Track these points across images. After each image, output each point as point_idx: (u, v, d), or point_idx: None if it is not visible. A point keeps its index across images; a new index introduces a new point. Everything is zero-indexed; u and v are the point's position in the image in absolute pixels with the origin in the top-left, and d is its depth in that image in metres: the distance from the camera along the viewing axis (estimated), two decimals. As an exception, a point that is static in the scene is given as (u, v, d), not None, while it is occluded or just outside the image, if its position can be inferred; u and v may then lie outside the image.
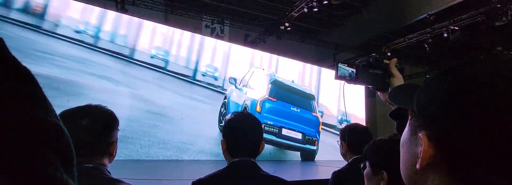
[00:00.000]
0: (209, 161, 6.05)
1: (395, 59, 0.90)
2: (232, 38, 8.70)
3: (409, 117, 0.43)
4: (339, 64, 0.85)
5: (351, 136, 1.74)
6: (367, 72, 0.86)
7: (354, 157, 1.70)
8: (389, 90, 0.87)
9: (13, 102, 0.38)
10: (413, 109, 0.41)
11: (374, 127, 9.41)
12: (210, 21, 8.38)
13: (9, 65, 0.41)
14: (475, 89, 0.34)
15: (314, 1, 6.39)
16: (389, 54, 8.73)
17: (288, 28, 7.51)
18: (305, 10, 6.71)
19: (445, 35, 7.35)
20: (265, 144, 1.20)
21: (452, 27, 7.19)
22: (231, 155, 1.14)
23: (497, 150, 0.31)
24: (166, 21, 8.06)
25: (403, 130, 0.81)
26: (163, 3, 7.74)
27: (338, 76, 0.85)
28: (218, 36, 8.48)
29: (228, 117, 1.19)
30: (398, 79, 0.86)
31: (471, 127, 0.32)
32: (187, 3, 8.27)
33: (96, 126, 0.93)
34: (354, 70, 0.86)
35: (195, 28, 8.19)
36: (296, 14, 7.12)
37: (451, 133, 0.34)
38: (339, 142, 1.81)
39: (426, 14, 7.18)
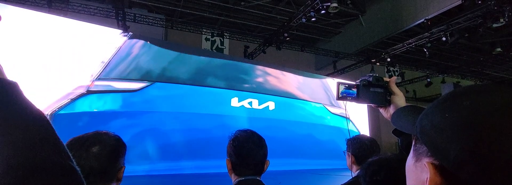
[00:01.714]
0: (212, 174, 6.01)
1: (394, 77, 0.92)
2: (232, 51, 8.78)
3: (413, 142, 0.43)
4: (340, 85, 0.87)
5: (357, 148, 1.72)
6: (368, 91, 0.88)
7: (361, 169, 1.68)
8: (391, 107, 0.88)
9: (30, 147, 0.40)
10: (417, 135, 0.41)
11: (377, 132, 9.33)
12: (210, 34, 8.48)
13: (24, 110, 0.43)
14: (476, 120, 0.34)
15: (312, 11, 6.46)
16: (388, 59, 8.76)
17: (287, 38, 7.58)
18: (303, 20, 6.78)
19: (444, 39, 7.37)
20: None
21: (450, 31, 7.23)
22: (236, 174, 1.14)
23: (502, 181, 0.31)
24: (166, 36, 8.18)
25: (406, 147, 0.80)
26: (164, 19, 7.86)
27: (340, 97, 0.87)
28: (218, 49, 8.56)
29: (232, 135, 1.19)
30: (399, 97, 0.87)
31: (475, 157, 0.32)
32: (186, 18, 8.41)
33: (107, 153, 0.94)
34: (355, 90, 0.88)
35: (195, 42, 8.30)
36: (294, 24, 7.19)
37: (456, 162, 0.34)
38: (345, 153, 1.80)
39: (423, 19, 7.24)
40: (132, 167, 5.04)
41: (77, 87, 4.90)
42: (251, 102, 6.73)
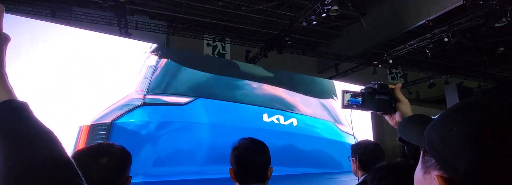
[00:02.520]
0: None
1: (400, 84, 0.92)
2: (234, 55, 8.81)
3: (421, 154, 0.43)
4: (345, 94, 0.87)
5: (362, 153, 1.72)
6: (373, 98, 0.88)
7: (366, 175, 1.67)
8: (396, 114, 0.88)
9: (41, 167, 0.41)
10: (425, 147, 0.41)
11: (381, 136, 9.27)
12: (211, 39, 8.52)
13: (35, 130, 0.44)
14: (485, 132, 0.34)
15: (313, 15, 6.48)
16: (390, 61, 8.74)
17: (289, 42, 7.59)
18: (304, 23, 6.80)
19: (446, 39, 7.35)
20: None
21: (452, 32, 7.21)
22: (240, 183, 1.13)
23: None
24: (168, 42, 8.24)
25: (413, 155, 0.80)
26: (165, 25, 7.92)
27: (345, 106, 0.87)
28: (219, 54, 8.60)
29: (234, 144, 1.19)
30: (404, 104, 0.87)
31: (485, 170, 0.32)
32: (187, 24, 8.46)
33: (115, 164, 0.95)
34: (360, 98, 0.88)
35: (196, 47, 8.34)
36: (295, 28, 7.22)
37: (465, 176, 0.34)
38: (350, 159, 1.79)
39: (424, 20, 7.23)
40: (180, 169, 5.75)
41: (129, 99, 5.61)
42: (278, 118, 7.72)
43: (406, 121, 0.59)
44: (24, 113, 0.45)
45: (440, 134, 0.38)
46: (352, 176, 1.87)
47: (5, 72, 0.47)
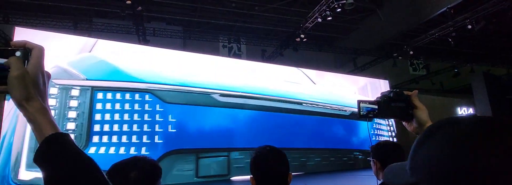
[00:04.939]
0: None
1: (416, 91, 0.92)
2: (249, 55, 8.84)
3: None
4: (361, 104, 0.88)
5: (383, 154, 1.70)
6: (389, 106, 0.88)
7: None
8: (414, 121, 0.88)
9: None
10: (410, 170, 0.43)
11: (405, 133, 9.01)
12: (227, 41, 8.59)
13: (78, 160, 0.50)
14: (457, 151, 0.36)
15: (327, 10, 6.39)
16: (411, 52, 8.47)
17: (304, 39, 7.53)
18: (319, 19, 6.72)
19: (469, 27, 7.03)
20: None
21: (476, 18, 6.88)
22: None
23: None
24: (184, 47, 8.40)
25: None
26: (181, 30, 8.08)
27: (362, 115, 0.88)
28: (235, 55, 8.65)
29: (253, 154, 1.23)
30: (421, 110, 0.87)
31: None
32: (203, 27, 8.59)
33: (144, 177, 1.02)
34: (376, 107, 0.89)
35: (213, 50, 8.45)
36: (310, 25, 7.15)
37: None
38: (371, 160, 1.78)
39: (445, 8, 6.94)
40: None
41: None
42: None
43: (388, 173, 0.57)
44: (67, 144, 0.50)
45: (421, 156, 0.40)
46: (370, 173, 1.86)
47: (49, 106, 0.53)
